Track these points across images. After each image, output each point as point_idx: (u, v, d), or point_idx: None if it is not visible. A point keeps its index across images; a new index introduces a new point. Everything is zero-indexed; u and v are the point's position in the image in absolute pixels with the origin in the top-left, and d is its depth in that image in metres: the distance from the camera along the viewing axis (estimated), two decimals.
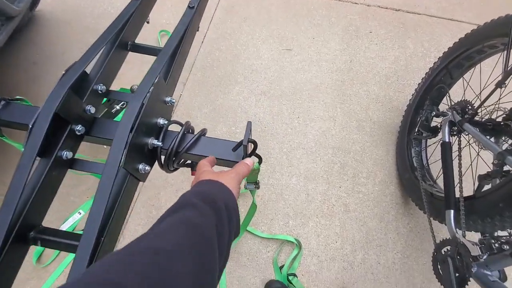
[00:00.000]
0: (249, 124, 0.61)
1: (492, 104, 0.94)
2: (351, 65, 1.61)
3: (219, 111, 1.46)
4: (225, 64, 1.59)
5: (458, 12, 1.81)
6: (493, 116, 0.94)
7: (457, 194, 0.90)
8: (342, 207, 1.28)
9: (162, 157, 0.67)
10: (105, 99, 0.87)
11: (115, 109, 1.14)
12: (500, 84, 0.88)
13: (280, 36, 1.69)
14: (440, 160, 1.00)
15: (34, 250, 1.12)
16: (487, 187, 0.89)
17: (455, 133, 1.00)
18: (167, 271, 0.29)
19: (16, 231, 0.50)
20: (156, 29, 1.65)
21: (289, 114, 1.47)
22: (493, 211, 0.79)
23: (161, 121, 0.65)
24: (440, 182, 1.01)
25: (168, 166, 0.68)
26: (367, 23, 1.74)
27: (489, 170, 0.89)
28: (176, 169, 0.74)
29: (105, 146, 0.66)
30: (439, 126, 1.11)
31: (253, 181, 0.76)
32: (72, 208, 1.20)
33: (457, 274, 0.83)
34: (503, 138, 0.92)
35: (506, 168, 0.85)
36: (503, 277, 0.86)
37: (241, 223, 0.67)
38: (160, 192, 1.27)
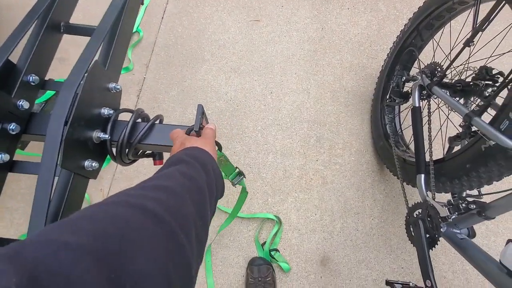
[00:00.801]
0: (199, 107, 0.56)
1: (461, 64, 0.92)
2: (322, 33, 1.54)
3: (188, 93, 1.38)
4: (189, 41, 1.48)
5: None
6: (463, 77, 0.92)
7: (428, 159, 0.90)
8: (320, 180, 1.28)
9: (115, 150, 0.62)
10: (52, 92, 0.79)
11: None
12: (468, 43, 0.84)
13: (247, 6, 1.58)
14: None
15: None
16: (457, 149, 0.89)
17: (425, 97, 0.99)
18: (178, 199, 0.32)
19: None
20: None
21: (261, 90, 1.41)
22: (460, 172, 0.80)
23: (105, 111, 0.58)
24: (413, 148, 1.01)
25: (123, 159, 0.63)
26: None
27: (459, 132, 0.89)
28: (134, 160, 0.69)
29: None
30: (410, 91, 1.09)
31: (232, 172, 0.73)
32: None
33: (427, 235, 0.86)
34: (472, 98, 0.91)
35: (474, 129, 0.85)
36: (472, 234, 0.90)
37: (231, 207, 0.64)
38: (133, 182, 1.22)
